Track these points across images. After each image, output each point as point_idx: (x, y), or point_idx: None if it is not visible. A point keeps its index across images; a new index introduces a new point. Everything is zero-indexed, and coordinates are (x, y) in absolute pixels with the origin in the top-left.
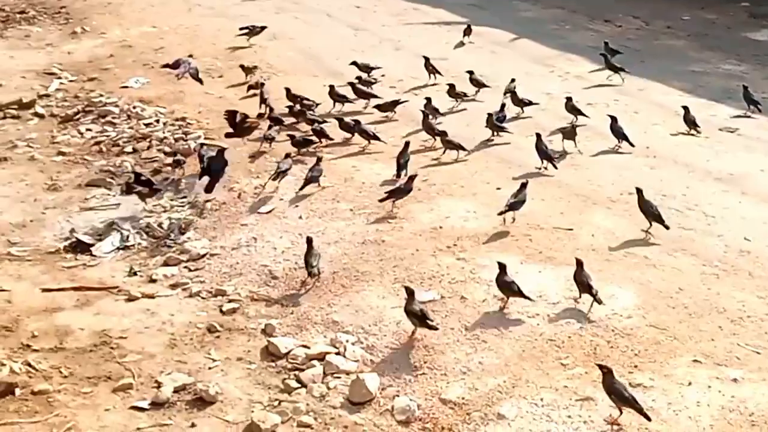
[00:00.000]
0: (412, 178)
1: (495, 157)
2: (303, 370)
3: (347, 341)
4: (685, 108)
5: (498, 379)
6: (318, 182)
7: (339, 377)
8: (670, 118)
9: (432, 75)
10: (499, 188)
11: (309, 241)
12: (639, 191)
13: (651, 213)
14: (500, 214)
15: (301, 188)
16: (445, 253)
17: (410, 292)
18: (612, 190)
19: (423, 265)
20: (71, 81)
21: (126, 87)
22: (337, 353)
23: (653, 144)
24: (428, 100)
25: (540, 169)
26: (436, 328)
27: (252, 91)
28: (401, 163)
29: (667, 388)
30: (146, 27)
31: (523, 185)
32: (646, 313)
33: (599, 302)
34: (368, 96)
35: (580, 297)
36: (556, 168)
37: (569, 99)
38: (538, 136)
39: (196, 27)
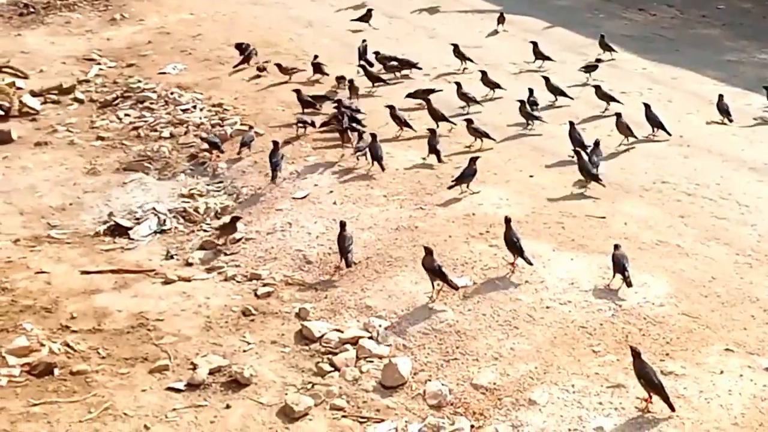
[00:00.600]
0: (473, 160)
1: (528, 145)
2: (336, 353)
3: (380, 326)
4: (720, 96)
5: (529, 365)
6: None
7: (372, 361)
8: (705, 107)
9: (463, 62)
10: (531, 176)
11: (342, 225)
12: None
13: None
14: (450, 188)
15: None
16: (477, 240)
17: (428, 251)
18: (645, 178)
19: (456, 252)
20: (110, 67)
21: (164, 73)
22: (370, 337)
23: (687, 133)
24: (458, 84)
25: (572, 157)
26: (456, 287)
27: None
28: (433, 147)
29: (699, 376)
30: (184, 14)
31: (473, 159)
32: (679, 301)
33: (629, 285)
34: (380, 80)
35: (612, 278)
36: (587, 155)
37: (598, 87)
38: (572, 124)
39: (233, 14)
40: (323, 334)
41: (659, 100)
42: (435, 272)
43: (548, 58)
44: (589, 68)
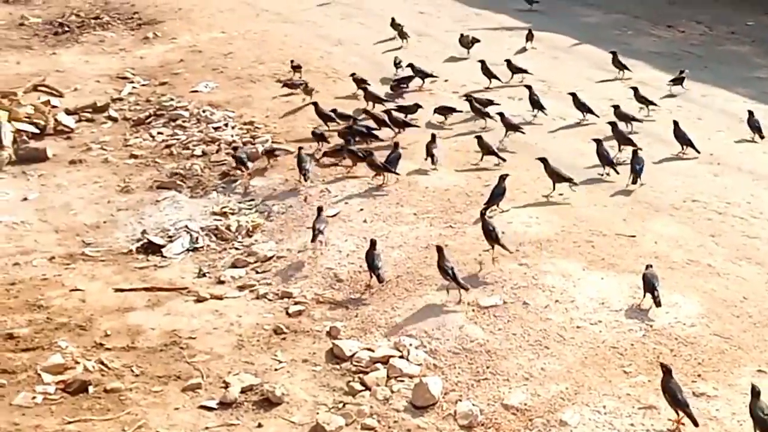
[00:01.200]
0: (503, 178)
1: (557, 163)
2: (367, 372)
3: (411, 345)
4: (750, 113)
5: (560, 385)
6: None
7: (402, 381)
8: (735, 124)
9: (490, 80)
10: (561, 194)
11: (372, 243)
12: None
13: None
14: (483, 211)
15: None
16: (507, 259)
17: (440, 250)
18: (675, 197)
19: (485, 270)
20: (143, 85)
21: (196, 91)
22: (401, 357)
23: (717, 151)
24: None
25: (602, 175)
26: (467, 288)
27: (287, 90)
28: (430, 151)
29: (731, 397)
30: (215, 32)
31: (502, 177)
32: (710, 321)
33: (658, 305)
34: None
35: (643, 297)
36: (617, 173)
37: (616, 107)
38: (599, 141)
39: (264, 32)
40: (354, 353)
41: (688, 118)
42: (447, 273)
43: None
44: (677, 80)
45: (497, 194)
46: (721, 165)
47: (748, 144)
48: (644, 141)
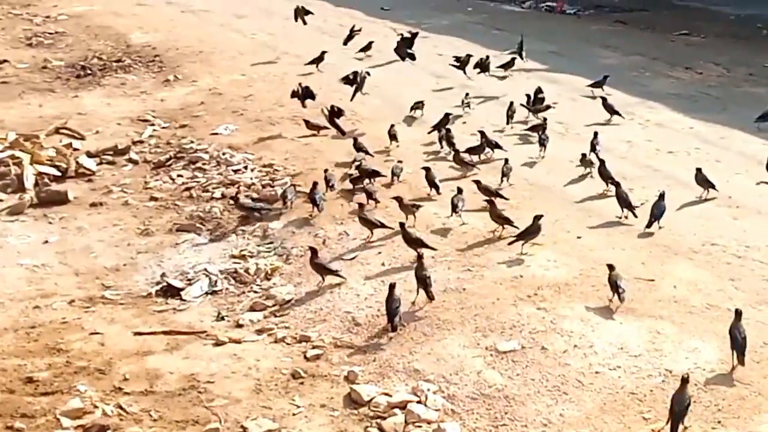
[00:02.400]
0: (538, 218)
1: (575, 206)
2: (385, 418)
3: (428, 390)
4: None
5: (579, 431)
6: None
7: (420, 426)
8: (753, 167)
9: (509, 121)
10: (579, 237)
11: (391, 287)
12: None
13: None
14: (511, 243)
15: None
16: (525, 303)
17: (420, 256)
18: (694, 240)
19: (503, 315)
20: (164, 128)
21: (216, 134)
22: (419, 402)
23: (736, 194)
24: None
25: (620, 218)
26: (433, 298)
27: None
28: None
29: None
30: (236, 75)
31: (537, 218)
32: (730, 367)
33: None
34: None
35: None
36: (636, 216)
37: (602, 164)
38: (617, 184)
39: (283, 75)
40: (372, 398)
41: (707, 160)
42: (423, 282)
43: (617, 113)
44: (597, 84)
45: (531, 232)
46: (740, 208)
47: (767, 187)
48: (663, 184)
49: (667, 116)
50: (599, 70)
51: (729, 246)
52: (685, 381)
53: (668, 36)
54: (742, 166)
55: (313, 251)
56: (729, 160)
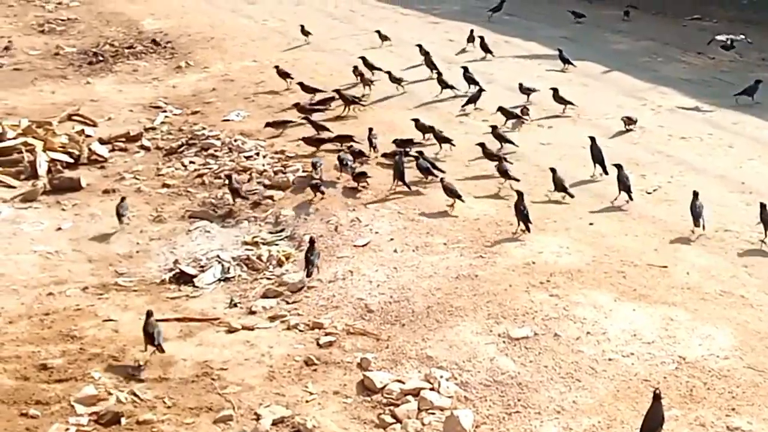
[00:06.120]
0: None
1: (587, 192)
2: (398, 405)
3: (441, 377)
4: None
5: (592, 419)
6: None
7: (433, 413)
8: (766, 152)
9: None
10: (591, 224)
11: (311, 241)
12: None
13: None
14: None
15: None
16: (538, 289)
17: (311, 241)
18: (707, 226)
19: (516, 301)
20: (176, 114)
21: (227, 120)
22: (432, 389)
23: (749, 179)
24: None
25: (622, 200)
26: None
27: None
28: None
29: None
30: (247, 61)
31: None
32: (744, 354)
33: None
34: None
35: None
36: (631, 199)
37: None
38: (619, 167)
39: (295, 61)
40: (385, 385)
41: (720, 146)
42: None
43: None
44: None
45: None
46: (753, 194)
47: None
48: (675, 170)
49: (680, 101)
50: (611, 56)
51: (742, 232)
52: (657, 397)
53: (680, 21)
54: (755, 152)
55: (311, 242)
56: (742, 145)
